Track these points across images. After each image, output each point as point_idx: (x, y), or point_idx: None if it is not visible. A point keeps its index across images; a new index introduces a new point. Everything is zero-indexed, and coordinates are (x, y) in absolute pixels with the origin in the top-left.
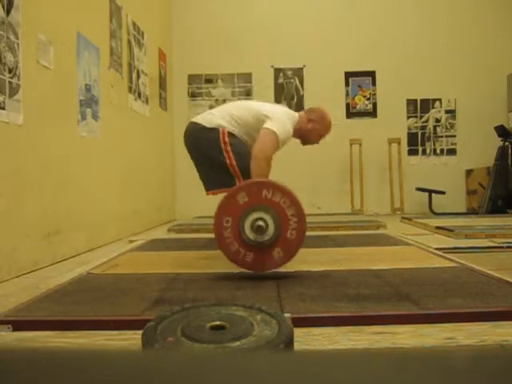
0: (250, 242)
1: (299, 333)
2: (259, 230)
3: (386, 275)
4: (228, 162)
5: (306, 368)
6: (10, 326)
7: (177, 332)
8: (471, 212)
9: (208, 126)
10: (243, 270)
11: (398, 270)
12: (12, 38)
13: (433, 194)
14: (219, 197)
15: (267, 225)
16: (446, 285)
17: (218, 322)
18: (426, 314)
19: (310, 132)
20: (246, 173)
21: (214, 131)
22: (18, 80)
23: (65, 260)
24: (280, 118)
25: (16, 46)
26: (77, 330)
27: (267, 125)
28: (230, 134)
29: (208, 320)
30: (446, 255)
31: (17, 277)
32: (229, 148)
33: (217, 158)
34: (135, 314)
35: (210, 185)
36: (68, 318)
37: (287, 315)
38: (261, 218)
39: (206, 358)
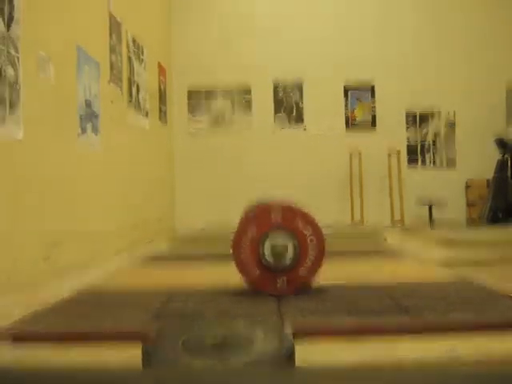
0: (263, 261)
1: (299, 347)
2: (277, 255)
3: (385, 288)
4: None
5: None
6: (10, 339)
7: (177, 346)
8: (471, 224)
9: None
10: (243, 283)
11: (398, 283)
12: (12, 52)
13: (433, 206)
14: (219, 208)
15: (286, 253)
16: (446, 298)
17: (218, 337)
18: (427, 327)
19: None
20: None
21: None
22: (18, 95)
23: (66, 273)
24: None
25: (16, 60)
26: (78, 343)
27: None
28: None
29: (209, 333)
30: (447, 268)
31: (17, 290)
32: None
33: None
34: (136, 328)
35: None
36: (69, 331)
37: (287, 329)
38: (284, 245)
39: (206, 375)
